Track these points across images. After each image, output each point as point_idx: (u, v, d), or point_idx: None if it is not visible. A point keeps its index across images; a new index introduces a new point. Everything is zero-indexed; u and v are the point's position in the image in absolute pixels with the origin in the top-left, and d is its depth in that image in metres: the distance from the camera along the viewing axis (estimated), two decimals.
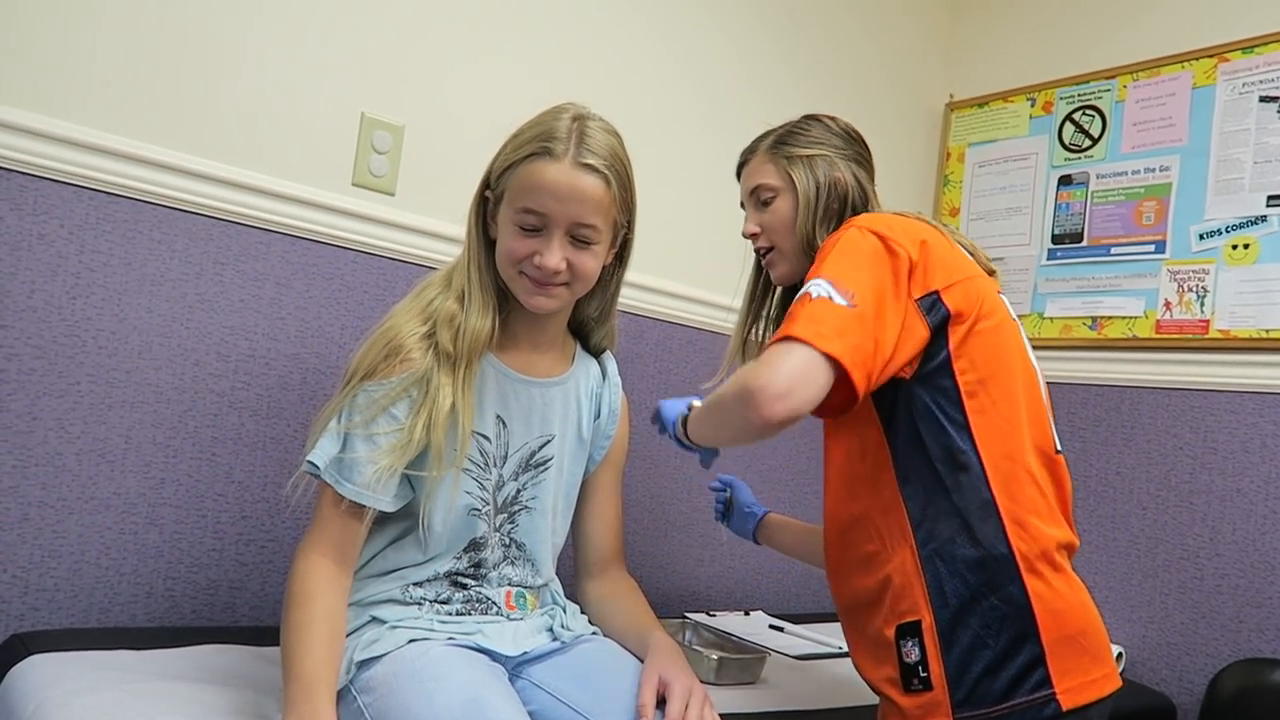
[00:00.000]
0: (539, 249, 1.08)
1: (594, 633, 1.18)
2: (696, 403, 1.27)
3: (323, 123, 1.54)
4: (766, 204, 1.31)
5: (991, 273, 1.24)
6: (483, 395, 1.12)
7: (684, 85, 2.01)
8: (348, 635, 1.06)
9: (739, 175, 1.40)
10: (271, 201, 1.47)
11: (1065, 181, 2.25)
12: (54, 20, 1.30)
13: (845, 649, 1.77)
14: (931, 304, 1.08)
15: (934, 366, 1.09)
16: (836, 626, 1.96)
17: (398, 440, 1.03)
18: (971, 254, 1.23)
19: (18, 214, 1.28)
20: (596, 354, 1.29)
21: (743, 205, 1.39)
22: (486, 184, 1.14)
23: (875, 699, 1.18)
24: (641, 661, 1.09)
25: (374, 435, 1.03)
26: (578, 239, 1.09)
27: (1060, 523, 1.14)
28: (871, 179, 1.33)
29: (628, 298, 1.89)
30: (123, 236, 1.36)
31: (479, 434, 1.12)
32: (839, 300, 1.02)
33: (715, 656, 1.44)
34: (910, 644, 1.08)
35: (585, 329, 1.27)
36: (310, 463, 1.04)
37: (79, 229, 1.32)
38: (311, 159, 1.52)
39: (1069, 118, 2.25)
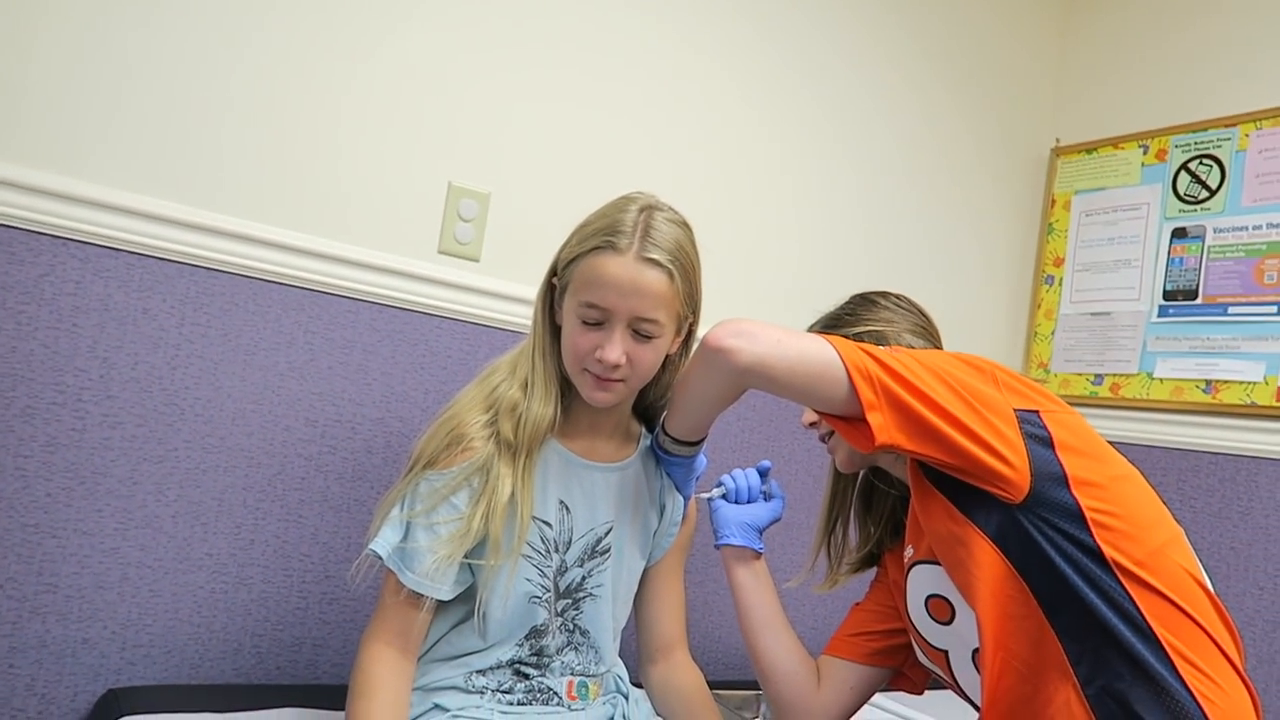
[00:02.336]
0: (600, 342, 1.08)
1: None
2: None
3: (411, 193, 1.58)
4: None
5: None
6: (545, 480, 1.13)
7: (772, 148, 1.99)
8: None
9: None
10: (360, 271, 1.52)
11: (1179, 234, 2.13)
12: (167, 105, 1.38)
13: None
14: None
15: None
16: (931, 698, 1.91)
17: (457, 530, 1.05)
18: None
19: (124, 291, 1.35)
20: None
21: None
22: (554, 273, 1.15)
23: None
24: None
25: (435, 525, 1.05)
26: (639, 333, 1.09)
27: None
28: (933, 346, 1.24)
29: None
30: (221, 310, 1.42)
31: (540, 520, 1.13)
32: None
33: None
34: None
35: (651, 415, 1.26)
36: (373, 550, 1.07)
37: (180, 303, 1.39)
38: (399, 228, 1.57)
39: (1184, 167, 2.14)
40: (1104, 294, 2.24)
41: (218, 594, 1.43)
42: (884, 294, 1.27)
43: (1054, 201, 2.39)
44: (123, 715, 1.22)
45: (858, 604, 1.33)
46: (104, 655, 1.35)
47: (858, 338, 1.17)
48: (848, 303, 1.28)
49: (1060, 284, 2.34)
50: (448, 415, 1.12)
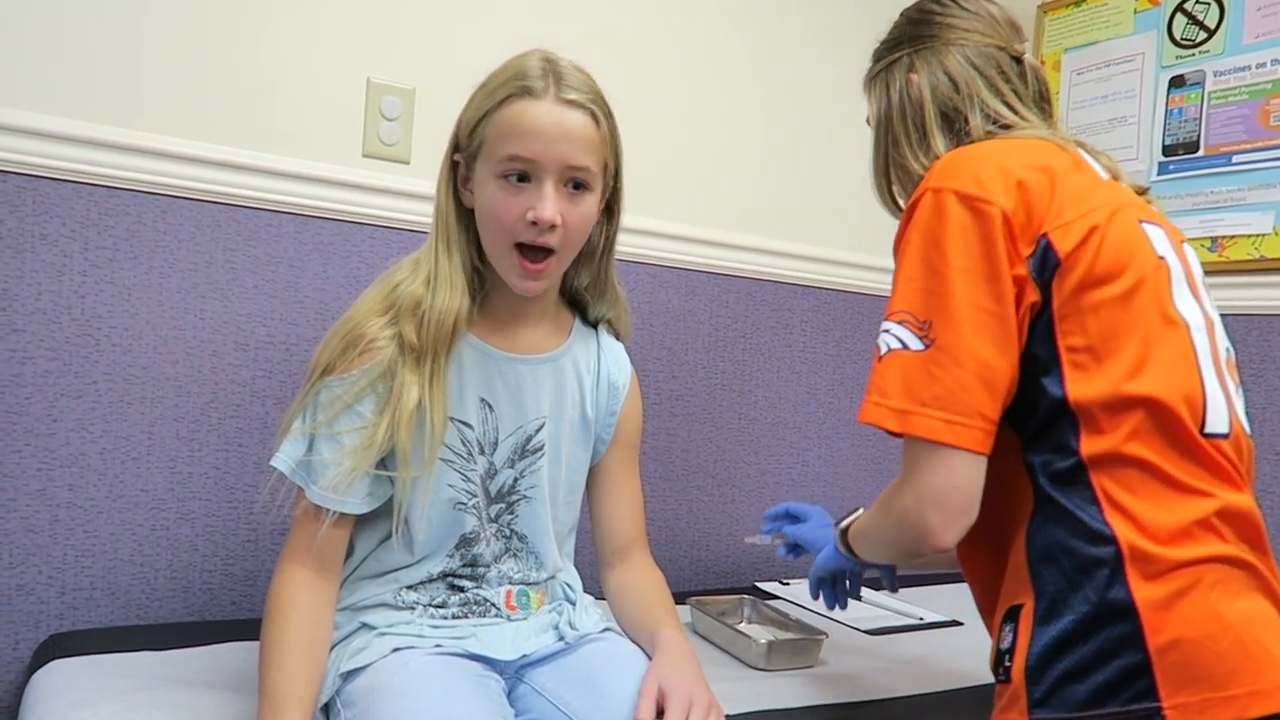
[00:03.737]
0: (530, 203, 0.97)
1: (604, 629, 1.09)
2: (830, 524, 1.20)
3: (326, 92, 1.46)
4: None
5: (1142, 192, 1.02)
6: (461, 379, 1.03)
7: (719, 12, 1.84)
8: (337, 643, 1.00)
9: None
10: (279, 180, 1.42)
11: (1177, 83, 1.97)
12: (38, 12, 1.27)
13: (925, 620, 1.64)
14: (1042, 256, 0.87)
15: (1036, 333, 0.88)
16: (924, 591, 1.84)
17: (362, 440, 0.96)
18: (1108, 171, 0.99)
19: (17, 216, 1.26)
20: (593, 322, 1.18)
21: None
22: (456, 146, 1.04)
23: (937, 686, 1.05)
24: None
25: (338, 435, 0.97)
26: (571, 185, 0.99)
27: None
28: (987, 54, 1.03)
29: (677, 252, 1.77)
30: (127, 230, 1.33)
31: (460, 421, 1.03)
32: (913, 344, 0.86)
33: (764, 641, 1.33)
34: (1007, 630, 0.90)
35: (581, 300, 1.16)
36: (274, 466, 0.99)
37: (81, 226, 1.30)
38: (318, 132, 1.46)
39: (1180, 8, 1.96)
40: None
41: (159, 531, 1.36)
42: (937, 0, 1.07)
43: (1043, 63, 2.22)
44: (53, 659, 1.16)
45: None
46: (43, 601, 1.29)
47: (881, 76, 1.07)
48: (893, 24, 1.11)
49: None
50: (344, 318, 1.02)
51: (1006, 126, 1.00)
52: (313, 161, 1.44)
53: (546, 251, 1.00)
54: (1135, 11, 2.05)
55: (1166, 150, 1.97)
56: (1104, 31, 2.10)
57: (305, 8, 1.44)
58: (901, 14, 1.12)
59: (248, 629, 1.31)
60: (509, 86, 0.98)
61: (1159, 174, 1.98)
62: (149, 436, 1.35)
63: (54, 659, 1.16)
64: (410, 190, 1.51)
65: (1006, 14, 1.08)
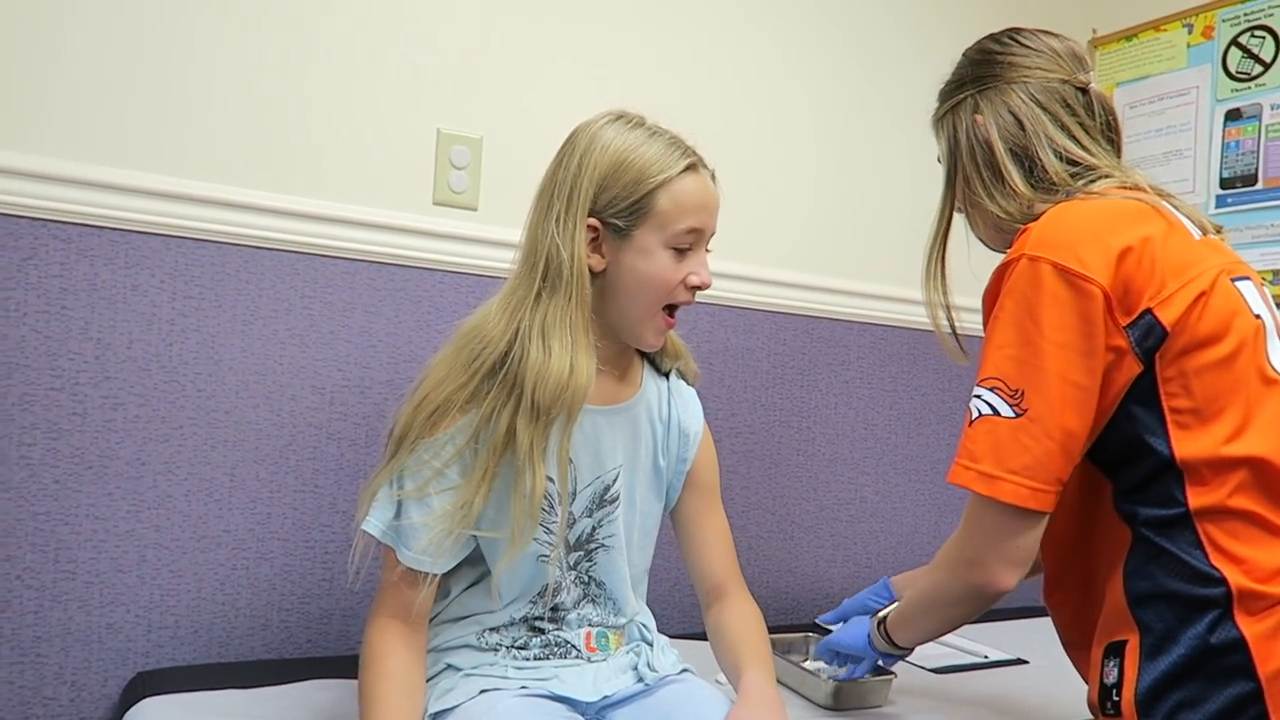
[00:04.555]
0: (692, 268, 1.05)
1: (682, 670, 1.11)
2: (867, 620, 1.22)
3: (399, 144, 1.52)
4: None
5: (1217, 230, 1.04)
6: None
7: (779, 64, 1.88)
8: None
9: None
10: (354, 229, 1.47)
11: (1233, 116, 1.97)
12: (130, 73, 1.33)
13: (990, 658, 1.63)
14: (1146, 329, 0.91)
15: (1138, 393, 0.93)
16: (981, 629, 1.82)
17: (452, 502, 0.98)
18: (1194, 223, 1.01)
19: (111, 269, 1.32)
20: (665, 372, 1.20)
21: None
22: (593, 211, 1.02)
23: None
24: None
25: (428, 498, 0.99)
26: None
27: None
28: (1052, 89, 1.05)
29: (735, 291, 1.80)
30: (212, 280, 1.38)
31: (545, 476, 1.04)
32: (1005, 411, 0.91)
33: (832, 681, 1.33)
34: (1111, 665, 0.95)
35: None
36: (365, 531, 1.01)
37: (170, 277, 1.35)
38: (391, 182, 1.51)
39: (1234, 42, 1.97)
40: None
41: (239, 570, 1.40)
42: (994, 36, 1.11)
43: None
44: (145, 697, 1.20)
45: None
46: (130, 639, 1.34)
47: (948, 116, 1.11)
48: (957, 64, 1.15)
49: None
50: (427, 383, 1.02)
51: (1078, 163, 1.03)
52: (386, 210, 1.49)
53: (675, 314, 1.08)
54: (1188, 45, 2.06)
55: (1224, 183, 1.97)
56: (1157, 65, 2.11)
57: (379, 64, 1.50)
58: (964, 54, 1.16)
59: (324, 667, 1.35)
60: (681, 160, 1.03)
61: (1217, 207, 1.98)
62: (231, 479, 1.40)
63: (146, 697, 1.20)
64: (478, 236, 1.55)
65: (1069, 46, 1.10)
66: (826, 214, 1.93)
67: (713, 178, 1.08)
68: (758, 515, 1.85)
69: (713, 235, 1.09)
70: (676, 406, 1.18)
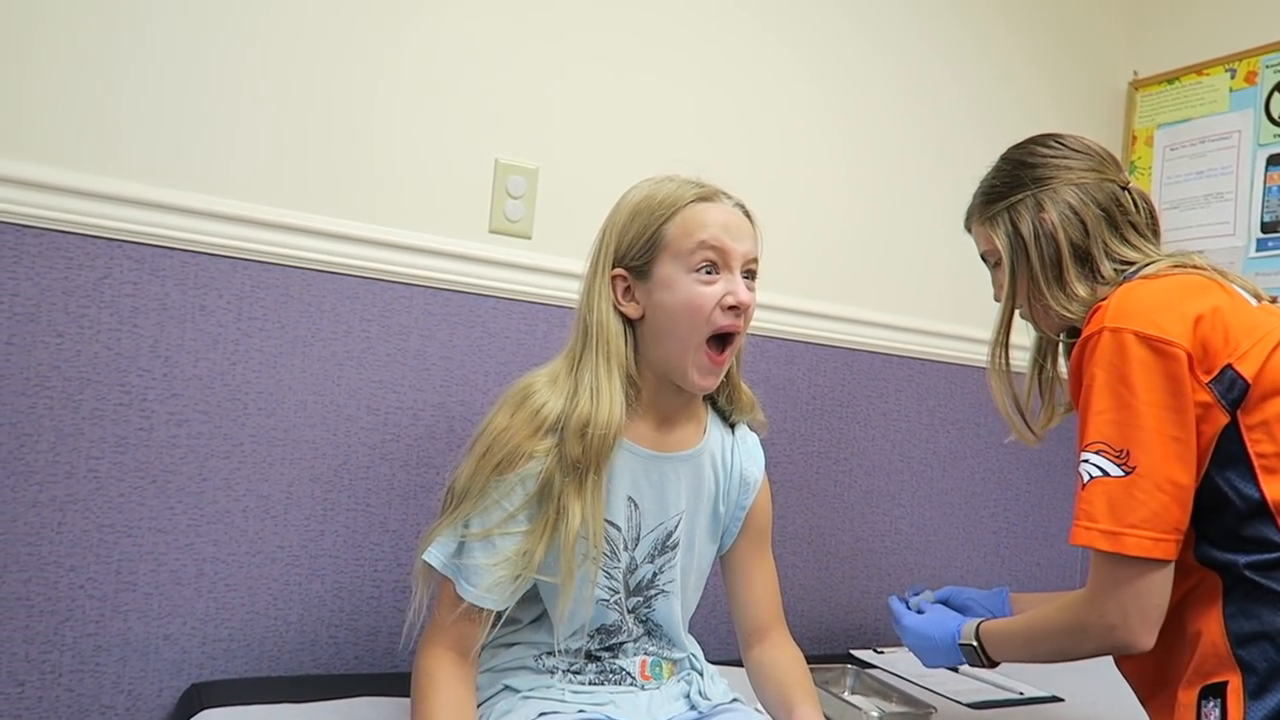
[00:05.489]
0: (726, 288, 1.04)
1: (734, 700, 1.13)
2: (954, 617, 1.24)
3: (458, 172, 1.56)
4: (996, 265, 1.22)
5: (1273, 300, 1.13)
6: (613, 480, 1.06)
7: (827, 98, 1.91)
8: (481, 704, 1.05)
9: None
10: (412, 255, 1.50)
11: (1275, 161, 1.98)
12: (201, 101, 1.38)
13: (1025, 694, 1.64)
14: (1229, 382, 0.98)
15: (1225, 443, 0.99)
16: (1022, 665, 1.83)
17: (518, 549, 1.00)
18: (1249, 292, 1.10)
19: (181, 289, 1.36)
20: (733, 424, 1.21)
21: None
22: (616, 261, 1.07)
23: None
24: None
25: (493, 538, 1.01)
26: (745, 275, 1.07)
27: None
28: (1111, 183, 1.14)
29: (777, 323, 1.82)
30: (276, 303, 1.42)
31: (609, 522, 1.07)
32: (1114, 471, 0.97)
33: (875, 714, 1.35)
34: (1210, 706, 0.99)
35: (714, 396, 1.19)
36: (426, 561, 1.03)
37: (236, 299, 1.39)
38: (449, 209, 1.55)
39: (1278, 87, 1.99)
40: (1196, 231, 2.11)
41: (292, 586, 1.43)
42: (1036, 141, 1.19)
43: (1135, 138, 2.25)
44: (203, 708, 1.23)
45: None
46: (185, 650, 1.37)
47: (1008, 212, 1.15)
48: (999, 165, 1.21)
49: None
50: (488, 440, 1.03)
51: (1131, 263, 1.11)
52: (443, 237, 1.53)
53: (727, 342, 1.06)
54: (1231, 90, 2.07)
55: (1265, 227, 1.98)
56: (1198, 109, 2.13)
57: (441, 96, 1.54)
58: (1007, 159, 1.21)
59: (371, 683, 1.38)
60: (683, 195, 1.05)
61: (1258, 250, 1.99)
62: (287, 496, 1.43)
63: (203, 709, 1.23)
64: (531, 264, 1.59)
65: (1105, 149, 1.19)
66: (865, 248, 1.96)
67: (740, 207, 1.09)
68: (794, 545, 1.86)
69: (748, 258, 1.08)
70: (740, 454, 1.19)
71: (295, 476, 1.43)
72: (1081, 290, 1.11)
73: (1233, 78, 2.07)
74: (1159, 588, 0.97)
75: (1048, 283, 1.13)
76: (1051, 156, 1.16)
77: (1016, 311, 1.21)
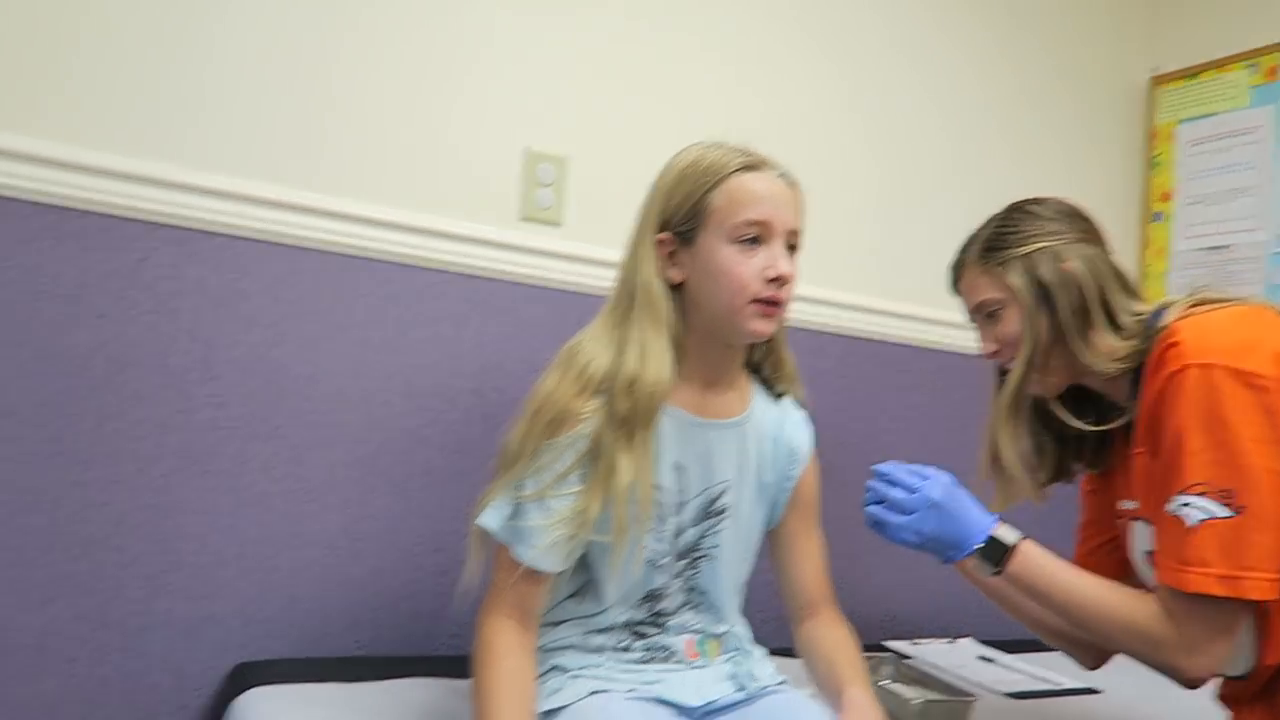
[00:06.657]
0: (769, 260, 1.04)
1: (781, 681, 1.13)
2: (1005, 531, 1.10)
3: (489, 160, 1.57)
4: (994, 316, 1.17)
5: None
6: (660, 445, 1.06)
7: (850, 93, 1.93)
8: None
9: (954, 290, 1.25)
10: (445, 242, 1.52)
11: None
12: (239, 86, 1.40)
13: (1064, 685, 1.63)
14: None
15: None
16: (1053, 656, 1.81)
17: (574, 508, 1.00)
18: None
19: (219, 273, 1.37)
20: (778, 394, 1.21)
21: (972, 319, 1.24)
22: (662, 226, 1.08)
23: None
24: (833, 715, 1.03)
25: (547, 499, 1.01)
26: (787, 247, 1.07)
27: None
28: (1106, 252, 1.16)
29: (808, 313, 1.83)
30: (312, 287, 1.43)
31: (656, 485, 1.07)
32: (1221, 513, 0.95)
33: (919, 701, 1.34)
34: None
35: (761, 365, 1.20)
36: (482, 524, 1.04)
37: (273, 283, 1.41)
38: (480, 197, 1.56)
39: None
40: (1220, 226, 2.11)
41: (332, 569, 1.44)
42: (1040, 200, 1.19)
43: (1156, 134, 2.26)
44: (252, 686, 1.23)
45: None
46: (229, 631, 1.37)
47: (1025, 258, 1.13)
48: (1005, 213, 1.19)
49: (1170, 219, 2.21)
50: (538, 402, 1.04)
51: (1141, 314, 1.11)
52: (475, 224, 1.54)
53: (776, 304, 1.06)
54: (1251, 86, 2.09)
55: None
56: (1220, 104, 2.14)
57: (473, 85, 1.56)
58: (1009, 214, 1.19)
59: (412, 665, 1.38)
60: (729, 163, 1.05)
61: None
62: (327, 479, 1.44)
63: (251, 686, 1.23)
64: (561, 251, 1.60)
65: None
66: (894, 240, 1.97)
67: (784, 177, 1.08)
68: (827, 533, 1.85)
69: (793, 231, 1.08)
70: (788, 426, 1.19)
71: (333, 460, 1.44)
72: (1110, 339, 1.09)
73: (1254, 73, 2.09)
74: (1244, 630, 0.97)
75: (1070, 332, 1.10)
76: (1056, 214, 1.16)
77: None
